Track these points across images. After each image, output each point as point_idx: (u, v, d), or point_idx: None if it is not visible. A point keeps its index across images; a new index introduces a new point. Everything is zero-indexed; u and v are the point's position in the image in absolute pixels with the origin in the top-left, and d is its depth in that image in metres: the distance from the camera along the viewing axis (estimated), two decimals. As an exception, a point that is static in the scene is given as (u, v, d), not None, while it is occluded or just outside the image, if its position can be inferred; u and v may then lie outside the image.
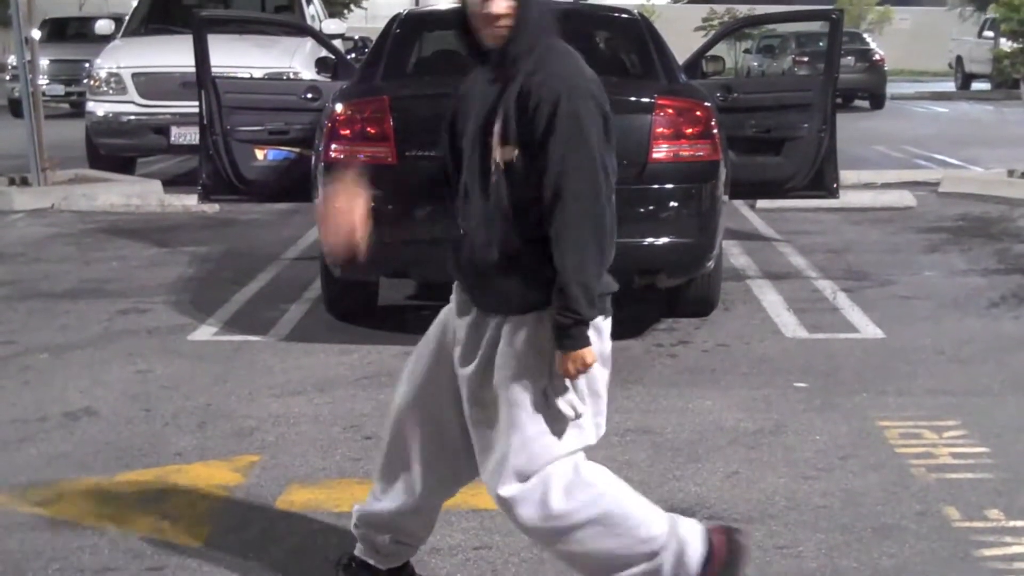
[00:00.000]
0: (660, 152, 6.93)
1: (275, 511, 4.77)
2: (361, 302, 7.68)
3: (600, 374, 3.56)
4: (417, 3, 39.42)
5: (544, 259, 3.35)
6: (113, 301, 8.31)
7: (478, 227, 3.48)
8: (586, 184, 3.32)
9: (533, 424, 3.46)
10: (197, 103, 8.75)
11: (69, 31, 26.14)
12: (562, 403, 3.47)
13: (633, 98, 7.26)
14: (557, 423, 3.49)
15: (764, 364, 6.77)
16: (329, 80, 9.41)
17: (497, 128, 3.37)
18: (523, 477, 3.48)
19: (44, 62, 20.37)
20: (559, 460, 3.48)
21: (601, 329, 3.51)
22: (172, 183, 13.59)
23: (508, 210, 3.40)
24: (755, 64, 31.40)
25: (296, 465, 5.26)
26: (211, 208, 11.73)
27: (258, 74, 12.67)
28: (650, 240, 6.92)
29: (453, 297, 3.67)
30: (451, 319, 3.66)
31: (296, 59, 13.53)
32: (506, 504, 3.52)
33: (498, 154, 3.37)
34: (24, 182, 13.02)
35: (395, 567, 3.96)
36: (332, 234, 3.58)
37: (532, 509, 3.49)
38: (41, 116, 13.12)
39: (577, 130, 3.34)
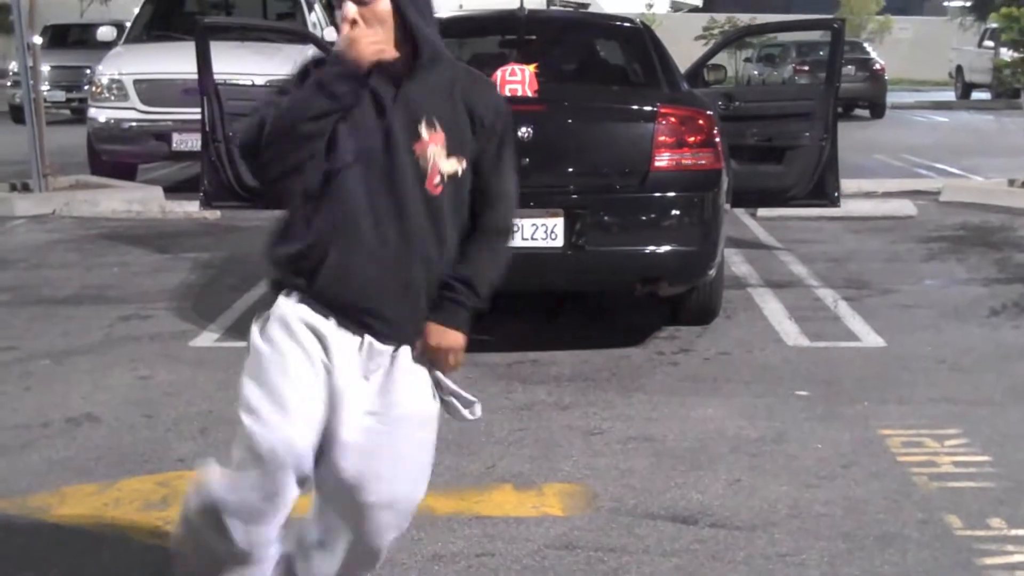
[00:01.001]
0: (662, 160, 6.94)
1: (277, 517, 4.76)
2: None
3: None
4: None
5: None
6: (115, 307, 8.31)
7: (404, 247, 3.27)
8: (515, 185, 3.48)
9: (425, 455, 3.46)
10: (199, 110, 8.76)
11: (71, 37, 26.17)
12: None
13: (636, 107, 7.28)
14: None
15: (766, 372, 6.77)
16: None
17: (439, 140, 3.26)
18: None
19: (46, 68, 20.38)
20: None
21: None
22: (174, 189, 13.59)
23: (446, 228, 3.33)
24: (755, 73, 31.43)
25: (298, 471, 5.25)
26: (212, 214, 11.73)
27: (260, 81, 12.66)
28: (652, 248, 6.92)
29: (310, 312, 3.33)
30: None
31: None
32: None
33: (443, 166, 3.26)
34: (25, 188, 13.03)
35: None
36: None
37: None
38: (43, 122, 13.13)
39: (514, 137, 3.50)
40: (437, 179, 3.27)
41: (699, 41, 34.78)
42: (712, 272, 7.23)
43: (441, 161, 3.26)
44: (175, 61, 12.99)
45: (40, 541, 4.54)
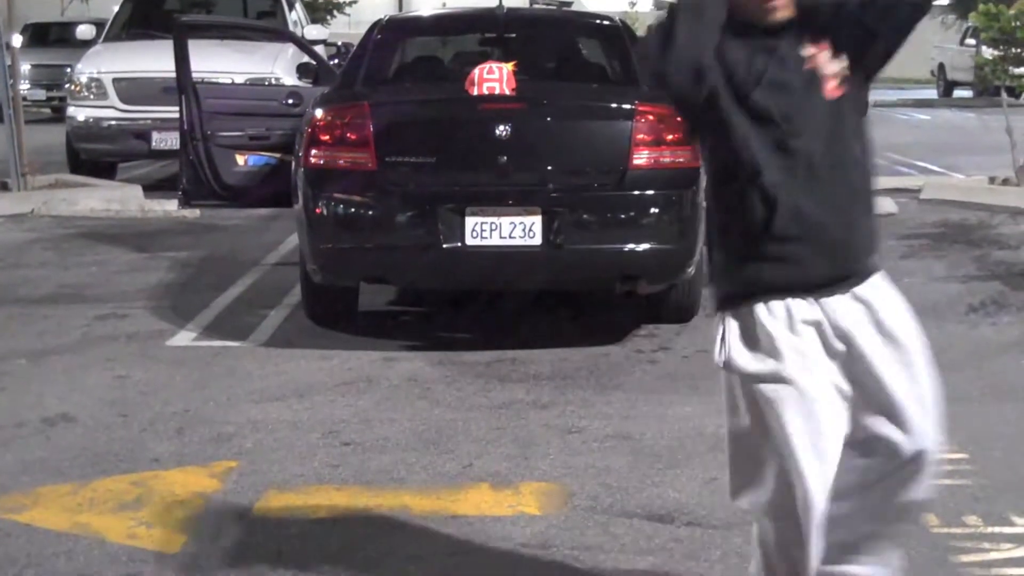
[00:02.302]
0: (641, 158, 6.94)
1: (252, 517, 4.75)
2: (341, 308, 7.66)
3: None
4: (401, 8, 39.41)
5: None
6: (92, 306, 8.27)
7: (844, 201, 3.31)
8: None
9: None
10: (178, 108, 8.73)
11: (51, 36, 26.06)
12: None
13: (614, 104, 7.28)
14: None
15: (744, 370, 6.76)
16: (310, 86, 9.40)
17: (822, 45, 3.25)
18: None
19: (25, 67, 20.30)
20: None
21: None
22: (153, 188, 13.53)
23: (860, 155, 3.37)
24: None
25: (274, 471, 5.24)
26: (191, 213, 11.68)
27: (239, 79, 12.64)
28: (630, 246, 6.92)
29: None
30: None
31: (277, 65, 13.50)
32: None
33: (832, 68, 3.25)
34: (4, 187, 12.96)
35: None
36: None
37: None
38: (22, 121, 13.07)
39: None
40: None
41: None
42: (691, 270, 7.22)
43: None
44: (154, 59, 12.94)
45: (13, 542, 4.51)
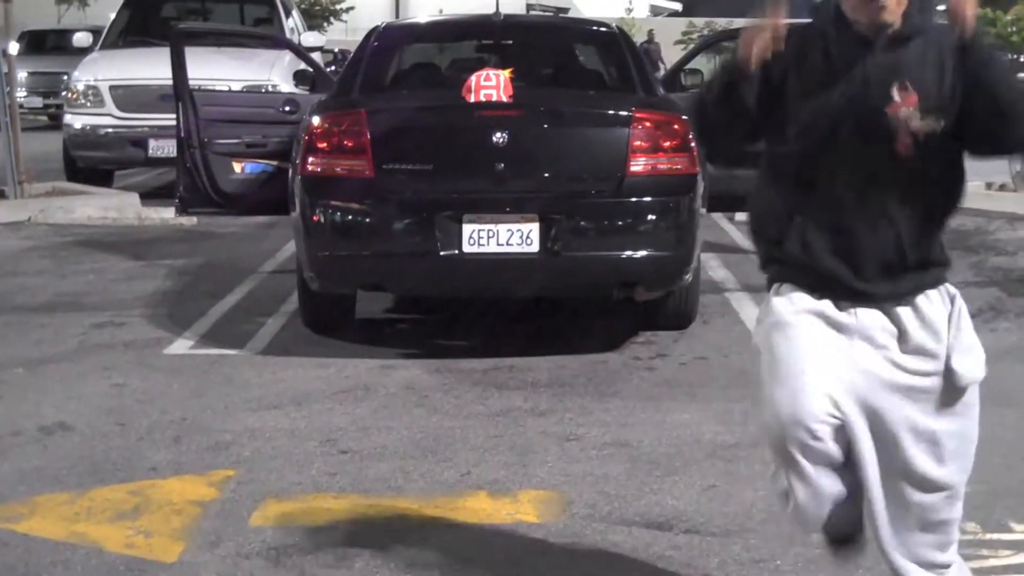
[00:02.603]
0: (638, 165, 6.94)
1: (250, 526, 4.74)
2: (338, 315, 7.66)
3: None
4: (398, 15, 39.45)
5: None
6: (89, 315, 8.26)
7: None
8: None
9: None
10: (175, 116, 8.72)
11: (47, 43, 26.08)
12: None
13: (611, 111, 7.29)
14: None
15: (742, 377, 6.75)
16: (307, 93, 9.39)
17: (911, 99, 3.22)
18: None
19: (22, 74, 20.30)
20: None
21: None
22: (150, 196, 13.53)
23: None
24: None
25: (272, 480, 5.23)
26: (189, 221, 11.68)
27: (236, 87, 12.64)
28: (628, 253, 6.92)
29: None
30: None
31: (274, 72, 13.50)
32: None
33: (919, 126, 3.21)
34: (1, 195, 12.95)
35: None
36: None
37: None
38: (18, 128, 13.06)
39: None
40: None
41: (678, 46, 34.85)
42: (688, 277, 7.22)
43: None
44: (151, 67, 12.92)
45: (11, 552, 4.50)
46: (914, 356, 3.34)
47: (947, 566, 3.52)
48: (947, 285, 3.41)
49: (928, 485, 3.40)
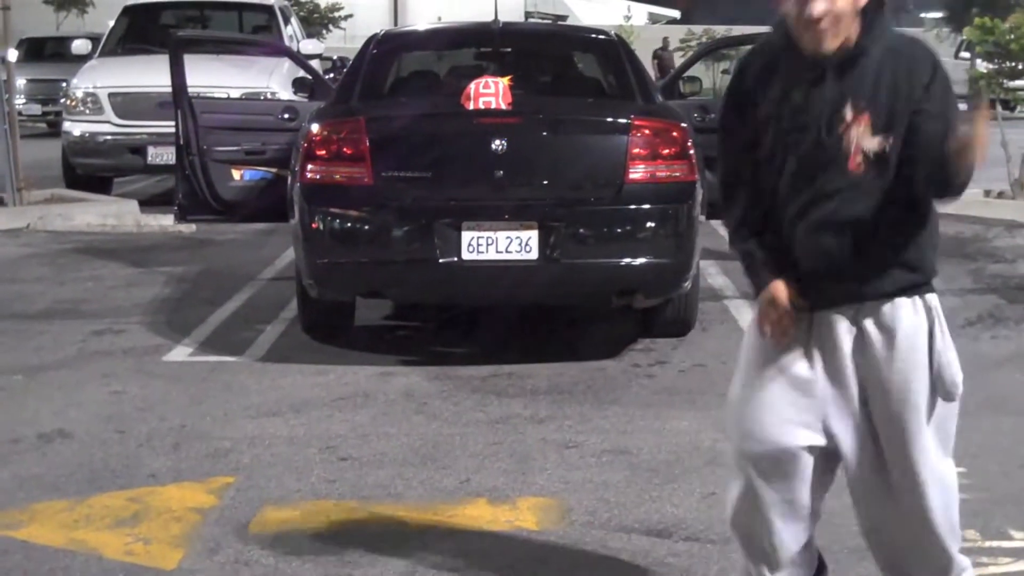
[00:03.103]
0: (637, 173, 6.94)
1: (249, 533, 4.74)
2: (337, 322, 7.66)
3: None
4: (396, 23, 39.47)
5: None
6: (88, 322, 8.26)
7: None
8: None
9: None
10: (173, 123, 8.72)
11: (46, 51, 26.08)
12: None
13: (610, 119, 7.29)
14: None
15: (741, 384, 6.75)
16: (306, 100, 9.39)
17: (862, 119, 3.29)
18: None
19: (21, 81, 20.29)
20: None
21: None
22: (149, 203, 13.52)
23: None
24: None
25: (271, 487, 5.23)
26: (187, 228, 11.68)
27: (235, 94, 12.64)
28: (627, 260, 6.93)
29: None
30: None
31: (273, 79, 13.51)
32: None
33: (867, 144, 3.29)
34: (0, 202, 12.96)
35: None
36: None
37: None
38: (17, 136, 13.06)
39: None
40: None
41: (676, 53, 34.86)
42: (687, 284, 7.23)
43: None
44: (150, 74, 12.92)
45: (10, 559, 4.50)
46: (874, 362, 3.41)
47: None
48: (926, 296, 3.45)
49: (903, 500, 3.47)
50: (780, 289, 3.42)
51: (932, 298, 3.47)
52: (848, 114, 3.28)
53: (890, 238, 3.38)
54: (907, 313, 3.41)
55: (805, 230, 3.38)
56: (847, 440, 3.46)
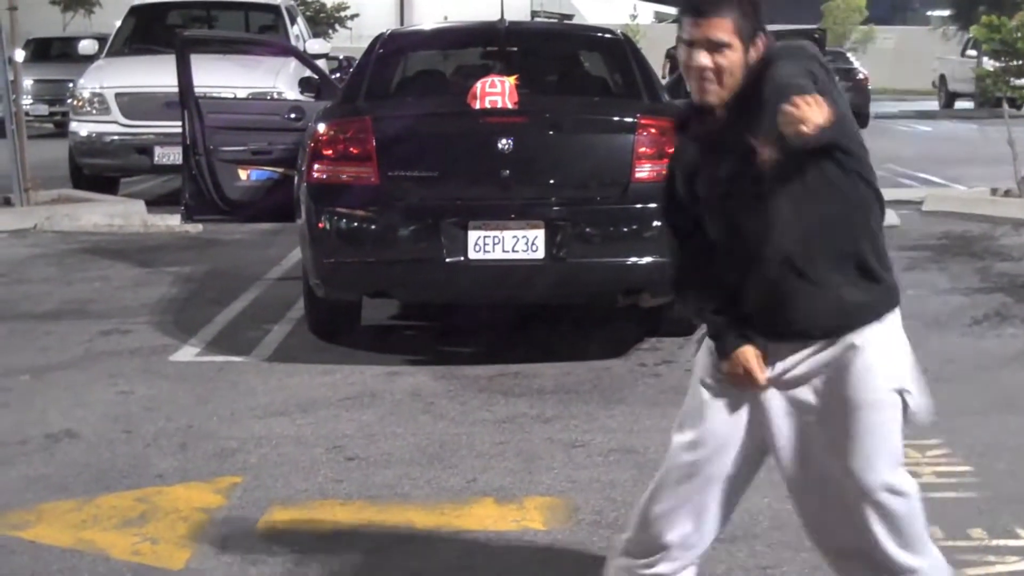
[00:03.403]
0: (643, 171, 6.94)
1: (257, 533, 4.75)
2: (344, 322, 7.66)
3: None
4: (402, 22, 39.47)
5: None
6: (95, 322, 8.27)
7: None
8: None
9: None
10: (180, 123, 8.73)
11: (53, 51, 26.11)
12: None
13: (616, 118, 7.29)
14: None
15: (748, 383, 6.75)
16: (313, 100, 9.40)
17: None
18: None
19: (28, 82, 20.32)
20: None
21: None
22: (155, 203, 13.54)
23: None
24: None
25: (278, 487, 5.23)
26: (194, 228, 11.69)
27: (241, 94, 12.65)
28: (633, 259, 6.92)
29: None
30: None
31: (280, 79, 13.52)
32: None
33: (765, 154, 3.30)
34: (7, 202, 12.97)
35: None
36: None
37: None
38: (24, 136, 13.08)
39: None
40: None
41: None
42: (693, 283, 7.21)
43: None
44: (156, 74, 12.94)
45: (18, 559, 4.51)
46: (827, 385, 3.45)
47: None
48: (864, 329, 3.44)
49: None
50: (751, 359, 3.43)
51: (890, 316, 3.52)
52: (758, 145, 3.27)
53: (838, 256, 3.42)
54: (869, 333, 3.44)
55: (757, 263, 3.36)
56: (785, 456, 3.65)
